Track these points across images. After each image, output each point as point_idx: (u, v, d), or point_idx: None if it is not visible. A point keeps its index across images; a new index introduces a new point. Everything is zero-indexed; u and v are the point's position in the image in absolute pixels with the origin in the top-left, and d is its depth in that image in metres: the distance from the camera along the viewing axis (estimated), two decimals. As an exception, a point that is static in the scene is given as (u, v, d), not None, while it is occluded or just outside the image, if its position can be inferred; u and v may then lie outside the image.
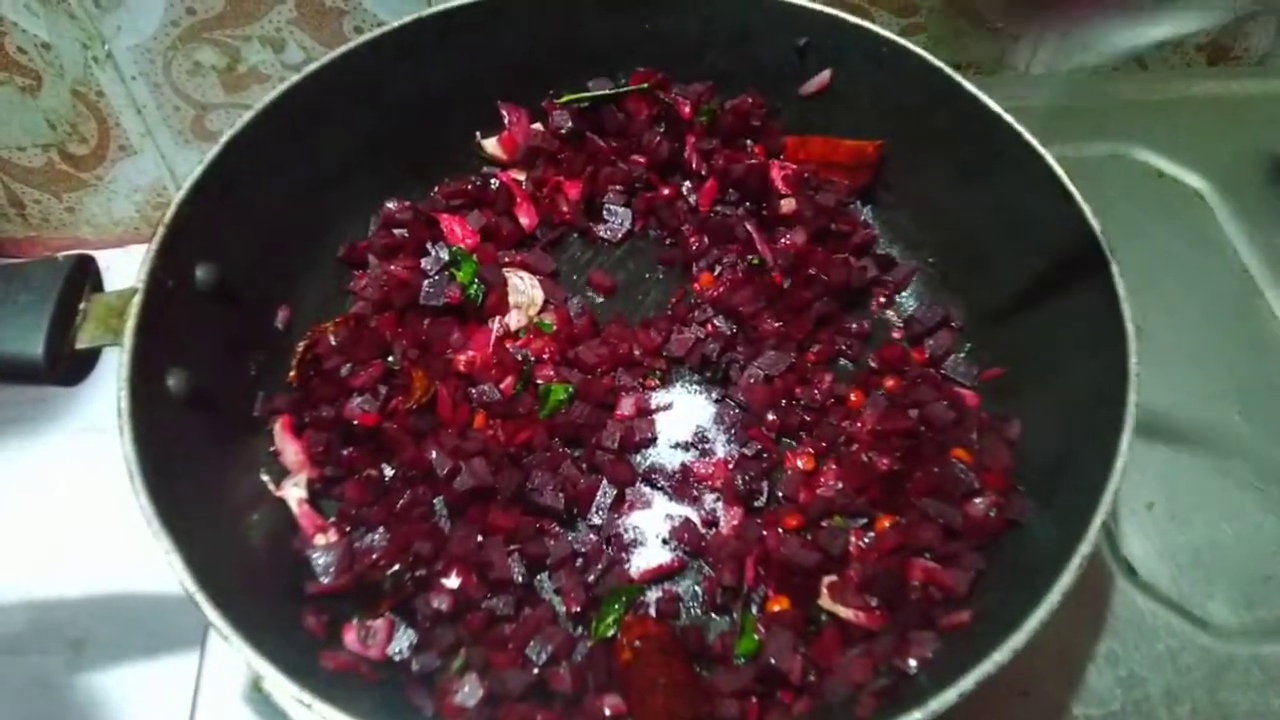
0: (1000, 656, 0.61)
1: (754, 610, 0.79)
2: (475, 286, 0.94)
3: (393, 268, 0.93)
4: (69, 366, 0.72)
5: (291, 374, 0.87)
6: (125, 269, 0.75)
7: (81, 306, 0.73)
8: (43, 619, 0.93)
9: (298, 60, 1.08)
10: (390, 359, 0.90)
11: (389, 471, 0.85)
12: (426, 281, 0.92)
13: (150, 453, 0.67)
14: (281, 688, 0.60)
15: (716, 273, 0.99)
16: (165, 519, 0.65)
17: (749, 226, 1.00)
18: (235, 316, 0.84)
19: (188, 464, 0.73)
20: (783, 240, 0.99)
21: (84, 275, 0.74)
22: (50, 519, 0.99)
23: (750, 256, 0.99)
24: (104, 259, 0.78)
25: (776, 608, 0.78)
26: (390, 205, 0.99)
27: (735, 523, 0.84)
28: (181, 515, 0.66)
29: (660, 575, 0.82)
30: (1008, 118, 0.89)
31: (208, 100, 1.10)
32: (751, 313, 0.95)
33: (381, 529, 0.80)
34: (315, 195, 0.93)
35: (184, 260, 0.78)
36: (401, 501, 0.82)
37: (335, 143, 0.93)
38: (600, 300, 1.00)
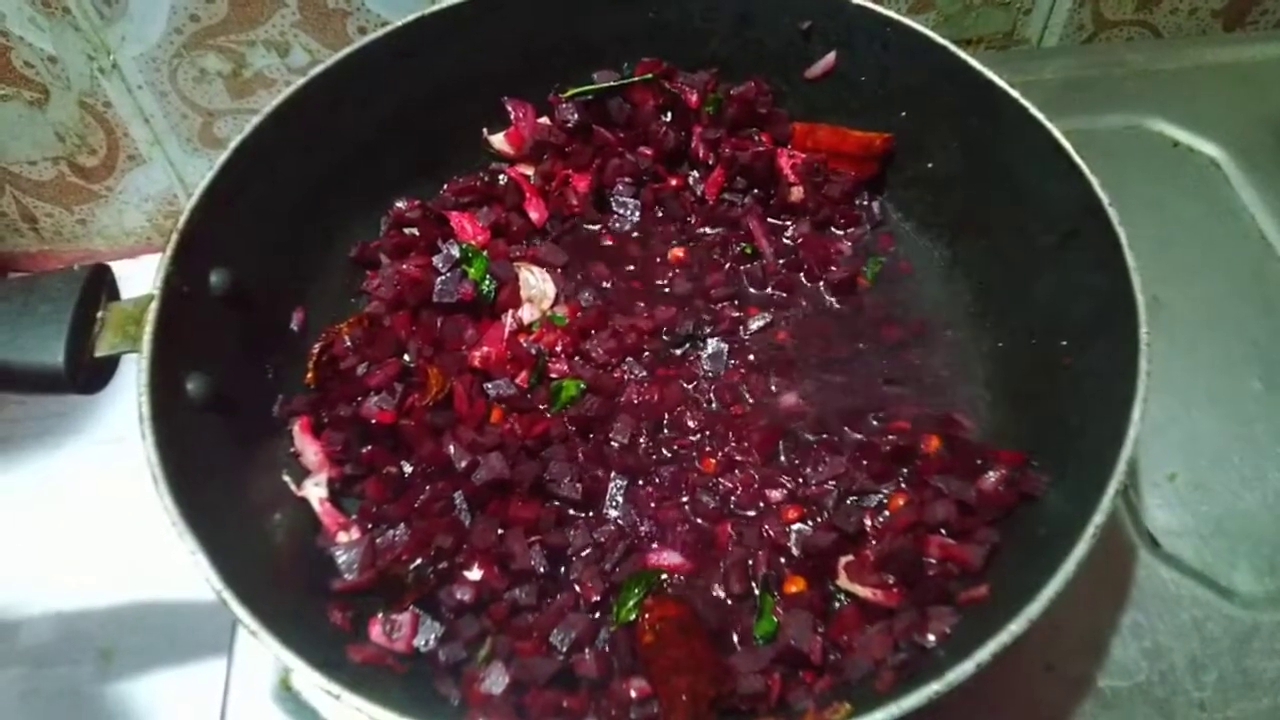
0: (1016, 627, 0.61)
1: (772, 593, 0.80)
2: (487, 283, 0.94)
3: (405, 266, 0.93)
4: (89, 375, 0.73)
5: (309, 375, 0.87)
6: (138, 280, 0.76)
7: (99, 315, 0.74)
8: (71, 629, 0.95)
9: (303, 63, 1.09)
10: (406, 357, 0.90)
11: (408, 468, 0.86)
12: (439, 279, 0.93)
13: (172, 456, 0.68)
14: (310, 681, 0.61)
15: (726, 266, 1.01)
16: (189, 520, 0.65)
17: (751, 221, 1.01)
18: (251, 320, 0.85)
19: (209, 466, 0.73)
20: (786, 235, 1.01)
21: (100, 284, 0.75)
22: (75, 530, 1.01)
23: (743, 245, 1.01)
24: (117, 270, 0.78)
25: (793, 589, 0.79)
26: (400, 204, 0.99)
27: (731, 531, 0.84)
28: (205, 516, 0.67)
29: (676, 571, 0.83)
30: (1013, 93, 0.88)
31: (214, 107, 1.11)
32: (722, 296, 0.97)
33: (403, 525, 0.81)
34: (325, 197, 0.94)
35: (198, 266, 0.79)
36: (421, 497, 0.83)
37: (343, 144, 0.94)
38: (611, 291, 1.00)
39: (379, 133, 0.96)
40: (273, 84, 1.10)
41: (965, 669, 0.60)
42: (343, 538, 0.81)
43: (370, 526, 0.82)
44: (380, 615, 0.77)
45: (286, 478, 0.84)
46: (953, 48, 0.92)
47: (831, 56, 1.00)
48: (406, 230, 0.98)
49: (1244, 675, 0.83)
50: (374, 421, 0.84)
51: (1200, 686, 0.83)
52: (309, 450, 0.85)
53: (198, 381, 0.76)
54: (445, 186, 1.03)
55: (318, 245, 0.95)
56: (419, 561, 0.78)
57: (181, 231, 0.77)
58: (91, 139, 1.11)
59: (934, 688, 0.59)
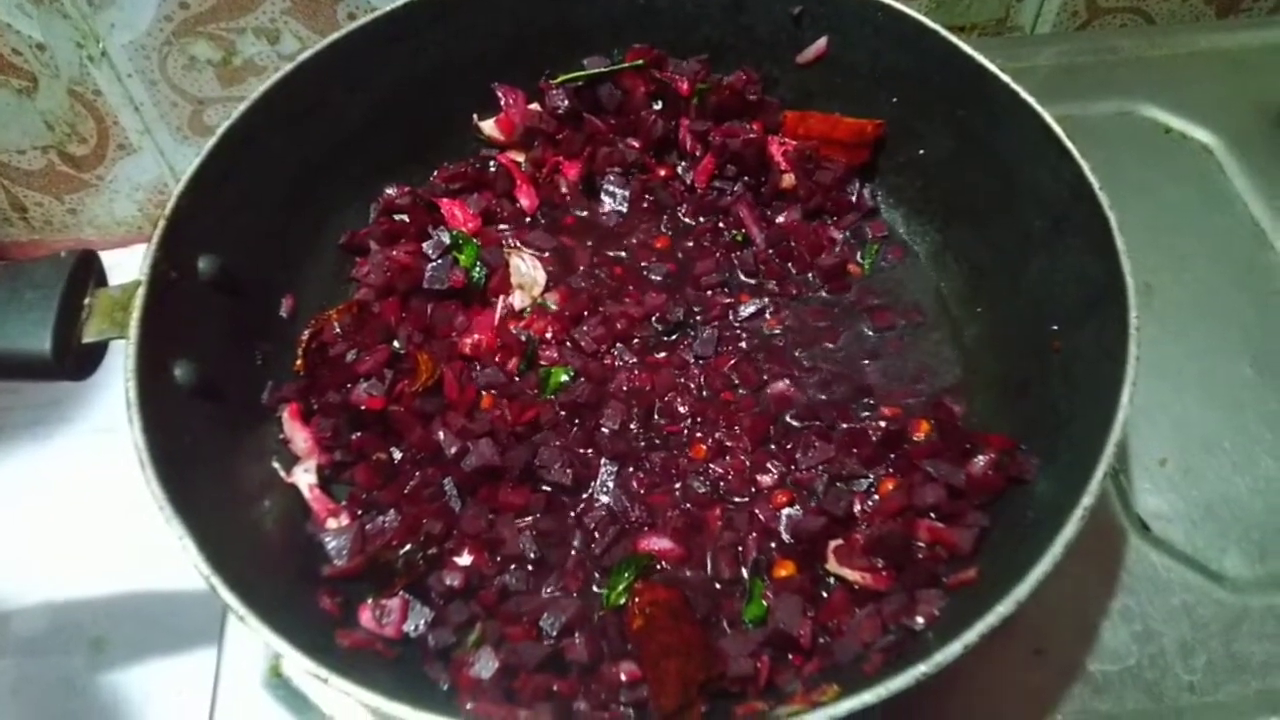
0: (1004, 609, 0.61)
1: (761, 577, 0.80)
2: (478, 269, 0.94)
3: (394, 253, 0.93)
4: (76, 361, 0.73)
5: (298, 363, 0.87)
6: (130, 269, 0.75)
7: (86, 301, 0.74)
8: (63, 619, 0.95)
9: (293, 50, 1.08)
10: (395, 344, 0.90)
11: (398, 455, 0.86)
12: (430, 266, 0.93)
13: (160, 441, 0.68)
14: (299, 666, 0.61)
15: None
16: (177, 505, 0.65)
17: (742, 208, 1.01)
18: (239, 306, 0.84)
19: (198, 452, 0.73)
20: (778, 219, 1.01)
21: (87, 270, 0.75)
22: (67, 520, 1.00)
23: (734, 232, 1.01)
24: (108, 259, 0.78)
25: (783, 573, 0.79)
26: (390, 191, 0.99)
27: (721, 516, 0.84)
28: (193, 502, 0.67)
29: (666, 557, 0.83)
30: (1004, 77, 0.88)
31: (205, 94, 1.10)
32: (713, 283, 0.97)
33: (392, 511, 0.81)
34: (315, 183, 0.93)
35: (186, 252, 0.79)
36: (411, 483, 0.83)
37: (333, 130, 0.94)
38: (601, 279, 1.00)
39: (369, 119, 0.96)
40: (263, 71, 1.10)
41: (953, 651, 0.60)
42: (332, 524, 0.81)
43: (360, 513, 0.82)
44: (370, 601, 0.77)
45: (276, 464, 0.84)
46: (945, 33, 0.91)
47: (823, 42, 1.00)
48: (396, 217, 0.97)
49: (1233, 659, 0.83)
50: (364, 408, 0.84)
51: (1190, 670, 0.83)
52: (298, 437, 0.85)
53: (186, 368, 0.76)
54: (435, 173, 1.02)
55: (307, 232, 0.94)
56: (409, 547, 0.78)
57: (169, 218, 0.77)
58: (81, 127, 1.11)
59: (921, 669, 0.59)
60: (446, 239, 0.94)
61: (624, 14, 1.01)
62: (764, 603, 0.77)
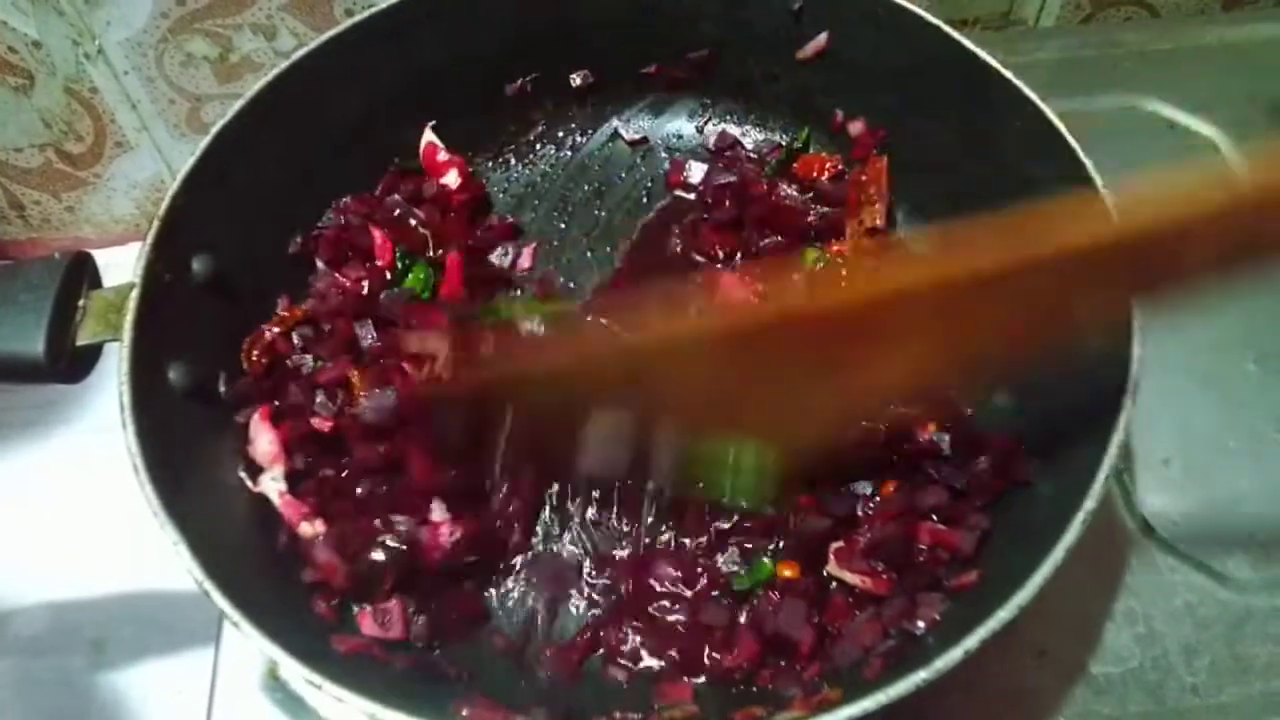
0: (1005, 614, 0.61)
1: (774, 557, 0.80)
2: (426, 289, 0.93)
3: (344, 279, 0.91)
4: (70, 363, 0.73)
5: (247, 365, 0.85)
6: (129, 267, 0.75)
7: (80, 303, 0.74)
8: (63, 619, 0.95)
9: (290, 47, 1.08)
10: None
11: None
12: (383, 295, 0.91)
13: (153, 445, 0.68)
14: (294, 672, 0.61)
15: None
16: (171, 510, 0.65)
17: None
18: (234, 308, 0.84)
19: (191, 455, 0.73)
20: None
21: (82, 272, 0.75)
22: (66, 520, 1.00)
23: None
24: (106, 257, 0.78)
25: (787, 573, 0.78)
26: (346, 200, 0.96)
27: None
28: (187, 506, 0.67)
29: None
30: (1006, 73, 0.87)
31: (202, 92, 1.10)
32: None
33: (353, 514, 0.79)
34: (310, 182, 0.93)
35: (180, 253, 0.79)
36: (359, 490, 0.81)
37: (328, 128, 0.93)
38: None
39: (366, 116, 0.95)
40: (260, 68, 1.09)
41: (953, 656, 0.60)
42: (306, 529, 0.79)
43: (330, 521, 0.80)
44: (370, 608, 0.76)
45: (242, 474, 0.81)
46: (946, 28, 0.90)
47: (823, 37, 0.99)
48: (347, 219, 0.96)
49: (1237, 660, 0.83)
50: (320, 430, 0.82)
51: (1193, 672, 0.83)
52: (264, 439, 0.81)
53: (181, 370, 0.76)
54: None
55: (303, 231, 0.93)
56: (385, 539, 0.77)
57: (162, 219, 0.77)
58: (78, 125, 1.10)
59: (921, 675, 0.59)
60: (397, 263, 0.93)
61: (622, 11, 1.00)
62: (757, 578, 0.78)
